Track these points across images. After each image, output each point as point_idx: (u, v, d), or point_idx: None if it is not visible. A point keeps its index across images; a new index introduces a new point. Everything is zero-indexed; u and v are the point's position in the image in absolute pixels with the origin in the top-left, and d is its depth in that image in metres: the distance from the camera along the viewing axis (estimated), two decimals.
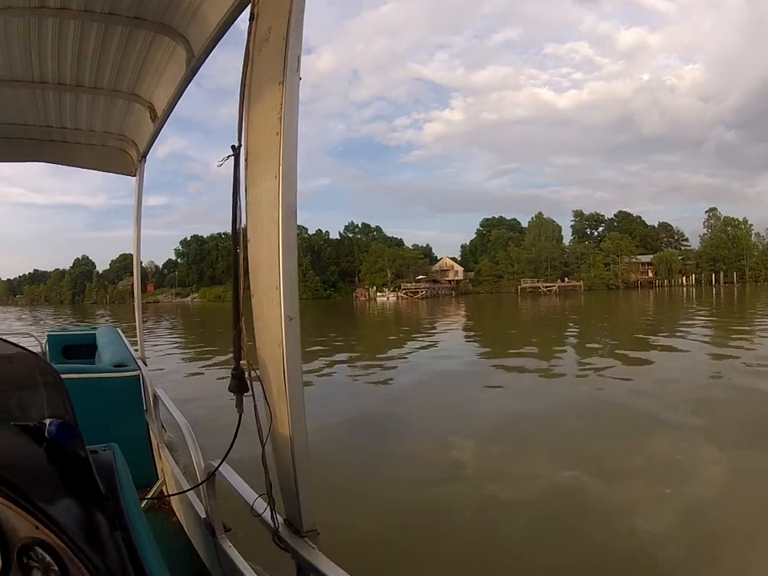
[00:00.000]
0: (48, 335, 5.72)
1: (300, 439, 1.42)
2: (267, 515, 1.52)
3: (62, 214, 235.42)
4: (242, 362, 1.57)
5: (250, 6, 1.53)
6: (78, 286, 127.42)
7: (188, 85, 2.68)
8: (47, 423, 1.02)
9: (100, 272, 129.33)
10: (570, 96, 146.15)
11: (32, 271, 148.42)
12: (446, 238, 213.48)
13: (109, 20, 2.37)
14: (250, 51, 1.52)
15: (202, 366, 14.87)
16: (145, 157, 3.99)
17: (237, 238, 1.57)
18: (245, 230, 1.56)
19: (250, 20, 1.51)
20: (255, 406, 1.52)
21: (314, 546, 1.42)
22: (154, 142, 3.69)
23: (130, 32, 2.47)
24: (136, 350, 4.53)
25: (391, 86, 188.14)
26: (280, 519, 1.51)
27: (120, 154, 4.23)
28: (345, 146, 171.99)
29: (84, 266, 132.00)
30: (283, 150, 1.34)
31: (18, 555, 0.86)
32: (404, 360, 15.35)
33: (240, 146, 1.54)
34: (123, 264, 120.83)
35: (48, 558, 0.86)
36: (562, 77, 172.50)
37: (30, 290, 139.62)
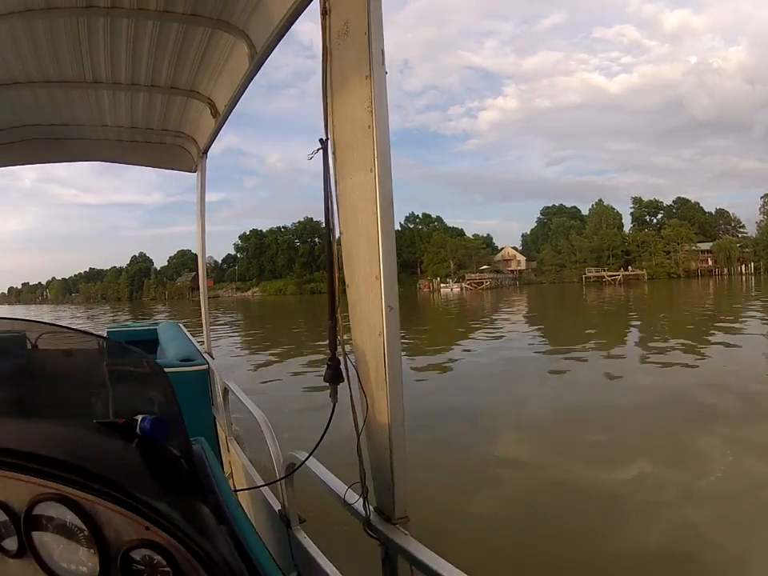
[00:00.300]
0: (107, 331, 5.74)
1: (398, 427, 1.43)
2: (359, 504, 1.54)
3: (116, 213, 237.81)
4: (337, 352, 1.56)
5: (319, 0, 1.54)
6: (135, 283, 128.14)
7: (250, 81, 2.69)
8: (138, 420, 1.03)
9: (158, 268, 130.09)
10: (620, 80, 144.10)
11: (87, 269, 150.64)
12: (506, 228, 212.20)
13: (164, 18, 2.41)
14: (328, 46, 1.52)
15: (270, 361, 15.16)
16: (206, 153, 4.01)
17: (331, 231, 1.57)
18: (332, 219, 1.57)
19: (322, 14, 1.53)
20: (351, 395, 1.53)
21: (405, 531, 1.43)
22: (215, 138, 3.69)
23: (187, 29, 2.50)
24: (201, 344, 4.60)
25: (443, 74, 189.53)
26: (370, 507, 1.52)
27: (179, 151, 4.25)
28: (399, 136, 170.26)
29: (141, 262, 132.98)
30: (377, 142, 1.36)
31: (121, 559, 0.85)
32: (475, 353, 15.37)
33: (327, 139, 1.55)
34: (181, 260, 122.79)
35: (157, 559, 0.85)
36: (612, 61, 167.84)
37: (86, 288, 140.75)
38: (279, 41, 2.25)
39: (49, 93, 3.34)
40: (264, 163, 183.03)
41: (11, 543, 0.88)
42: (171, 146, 4.21)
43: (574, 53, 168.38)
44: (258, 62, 2.43)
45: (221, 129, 3.43)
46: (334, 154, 1.53)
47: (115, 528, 0.85)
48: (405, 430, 1.45)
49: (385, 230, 1.36)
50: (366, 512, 1.49)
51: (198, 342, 4.80)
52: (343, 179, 1.51)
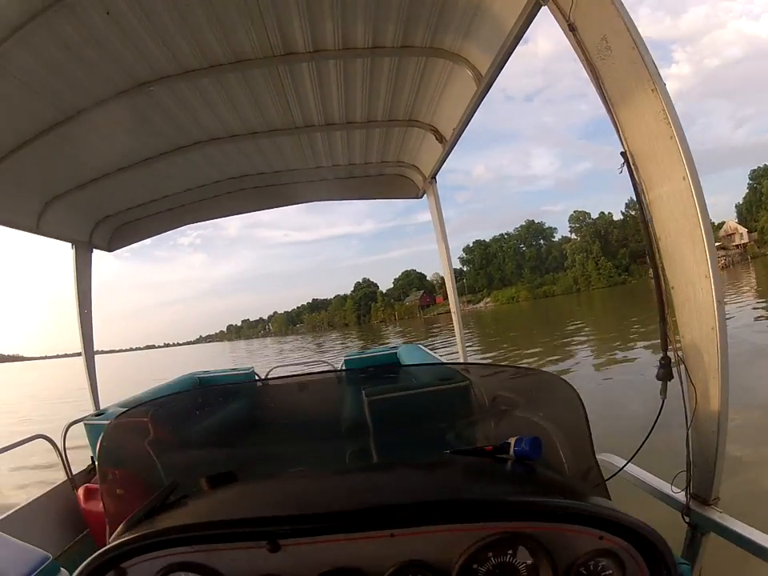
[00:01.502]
0: (345, 360, 5.60)
1: (726, 413, 1.51)
2: (675, 493, 1.63)
3: (331, 245, 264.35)
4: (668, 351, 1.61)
5: (561, 17, 1.60)
6: (362, 308, 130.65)
7: (479, 104, 2.66)
8: (512, 442, 1.09)
9: (384, 291, 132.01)
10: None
11: (311, 300, 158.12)
12: (713, 201, 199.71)
13: (374, 53, 2.46)
14: (591, 60, 1.58)
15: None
16: (434, 177, 4.02)
17: (650, 237, 1.60)
18: (650, 227, 1.60)
19: (570, 30, 1.57)
20: (683, 389, 1.60)
21: (720, 510, 1.53)
22: (443, 162, 3.66)
23: (400, 60, 2.57)
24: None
25: None
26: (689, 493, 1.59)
27: (400, 180, 4.35)
28: (594, 125, 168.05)
29: (366, 287, 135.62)
30: (683, 151, 1.42)
31: (572, 571, 0.88)
32: None
33: (625, 151, 1.58)
34: (407, 281, 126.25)
35: (603, 564, 0.88)
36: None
37: (311, 318, 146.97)
38: (504, 65, 2.28)
39: (255, 144, 3.55)
40: (471, 176, 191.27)
41: None
42: (392, 176, 4.36)
43: (719, 2, 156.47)
44: (484, 83, 2.43)
45: (449, 153, 3.43)
46: (634, 164, 1.58)
47: (565, 545, 0.88)
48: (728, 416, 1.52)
49: (706, 229, 1.44)
50: (687, 498, 1.58)
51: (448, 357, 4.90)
52: (652, 188, 1.56)
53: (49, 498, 3.41)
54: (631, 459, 1.66)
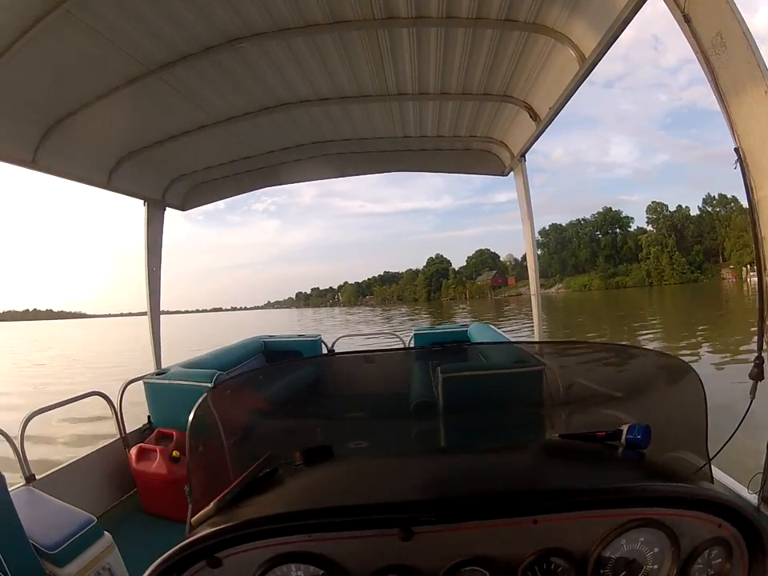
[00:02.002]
0: (414, 334, 5.59)
1: None
2: (750, 495, 1.60)
3: (406, 219, 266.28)
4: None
5: (675, 6, 1.55)
6: (433, 284, 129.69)
7: (579, 85, 2.59)
8: (624, 429, 1.05)
9: (456, 269, 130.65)
10: None
11: (382, 273, 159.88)
12: None
13: (477, 24, 2.40)
14: (705, 53, 1.52)
15: None
16: (524, 156, 3.94)
17: (756, 236, 1.54)
18: (758, 226, 1.52)
19: (685, 21, 1.53)
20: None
21: None
22: (534, 141, 3.58)
23: (501, 34, 2.49)
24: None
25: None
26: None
27: (486, 156, 4.32)
28: (672, 117, 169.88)
29: (438, 263, 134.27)
30: None
31: (692, 558, 0.87)
32: None
33: (738, 147, 1.52)
34: (480, 259, 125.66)
35: (722, 553, 0.88)
36: None
37: (381, 290, 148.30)
38: (608, 48, 2.20)
39: (344, 109, 3.48)
40: (549, 159, 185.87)
41: None
42: (478, 151, 4.32)
43: None
44: (587, 65, 2.36)
45: (542, 133, 3.36)
46: (745, 161, 1.52)
47: (689, 533, 0.87)
48: None
49: None
50: (759, 501, 1.55)
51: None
52: (762, 188, 1.50)
53: (100, 455, 3.46)
54: (714, 457, 1.36)
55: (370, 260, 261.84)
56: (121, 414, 3.59)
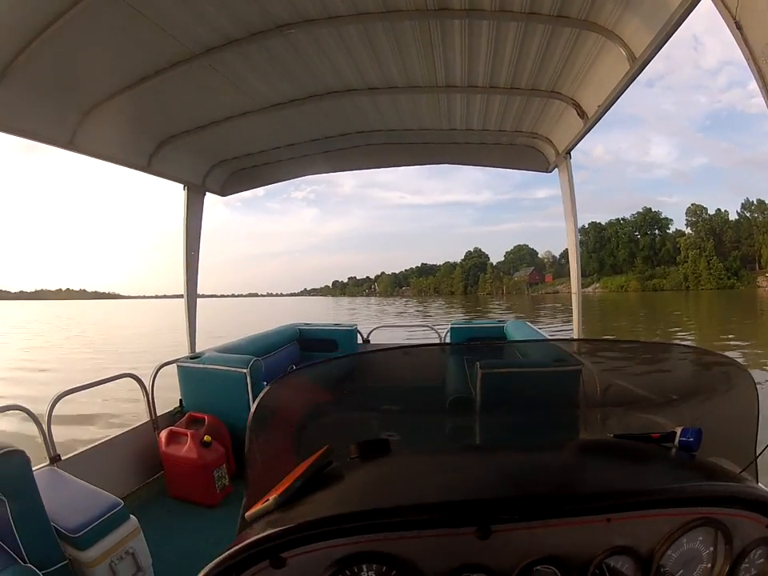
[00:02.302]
0: (451, 327, 5.51)
1: None
2: None
3: (446, 212, 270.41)
4: None
5: (727, 12, 1.53)
6: (470, 278, 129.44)
7: (629, 85, 2.58)
8: (678, 431, 1.03)
9: (494, 264, 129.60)
10: None
11: (419, 265, 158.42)
12: None
13: (529, 19, 2.39)
14: (756, 61, 1.49)
15: None
16: (569, 153, 3.88)
17: None
18: None
19: (737, 28, 1.50)
20: None
21: None
22: (581, 139, 3.52)
23: (553, 29, 2.47)
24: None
25: (733, 45, 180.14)
26: None
27: (530, 152, 4.29)
28: (711, 119, 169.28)
29: (476, 257, 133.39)
30: None
31: (741, 558, 0.87)
32: None
33: None
34: (518, 255, 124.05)
35: (765, 553, 0.88)
36: None
37: (418, 282, 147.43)
38: (663, 44, 2.16)
39: (392, 99, 3.46)
40: (590, 157, 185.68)
41: None
42: (522, 146, 4.27)
43: None
44: (638, 65, 2.34)
45: (589, 130, 3.31)
46: None
47: (740, 533, 0.86)
48: None
49: None
50: None
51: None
52: None
53: (129, 437, 3.47)
54: (750, 464, 1.30)
55: (408, 251, 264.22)
56: (153, 396, 3.61)
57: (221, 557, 0.75)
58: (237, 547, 0.76)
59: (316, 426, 1.26)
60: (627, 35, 2.32)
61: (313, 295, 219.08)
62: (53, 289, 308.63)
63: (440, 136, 4.20)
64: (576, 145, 3.69)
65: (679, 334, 22.90)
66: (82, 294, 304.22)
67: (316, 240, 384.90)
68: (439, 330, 5.67)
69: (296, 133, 4.06)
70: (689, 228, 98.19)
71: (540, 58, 2.79)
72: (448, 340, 5.39)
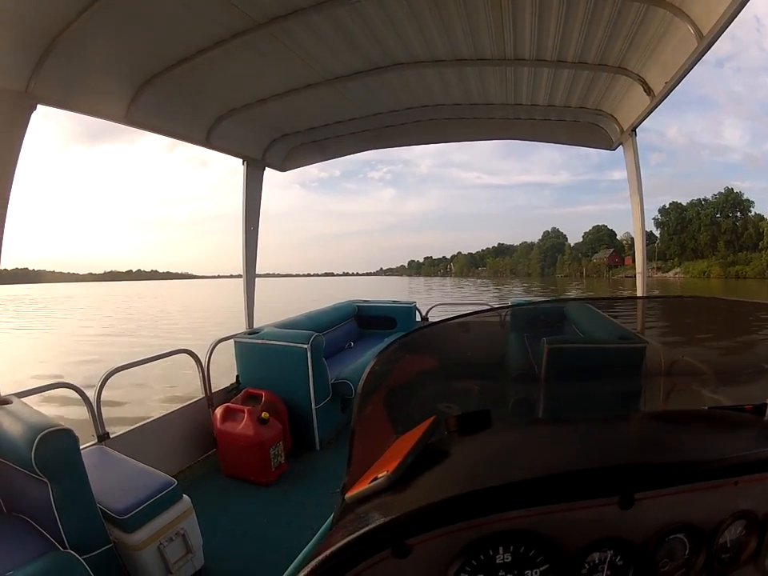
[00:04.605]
0: (512, 305, 7.81)
1: None
2: None
3: (524, 192, 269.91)
4: None
5: None
6: (548, 259, 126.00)
7: (696, 62, 2.49)
8: None
9: (572, 245, 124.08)
10: None
11: (496, 245, 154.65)
12: None
13: None
14: None
15: None
16: (634, 131, 3.78)
17: None
18: None
19: None
20: None
21: None
22: (646, 116, 3.44)
23: (622, 3, 2.42)
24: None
25: None
26: None
27: (594, 129, 4.16)
28: None
29: (554, 238, 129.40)
30: None
31: None
32: None
33: None
34: (597, 236, 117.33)
35: None
36: None
37: (494, 262, 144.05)
38: (730, 23, 2.10)
39: (458, 72, 3.35)
40: (664, 138, 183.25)
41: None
42: (585, 123, 4.15)
43: None
44: (705, 43, 2.28)
45: (655, 108, 3.24)
46: None
47: None
48: None
49: None
50: None
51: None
52: None
53: (183, 414, 3.47)
54: None
55: (485, 232, 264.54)
56: (208, 372, 3.60)
57: (335, 546, 0.61)
58: (356, 534, 0.62)
59: (403, 398, 1.20)
60: (695, 13, 2.27)
61: (388, 275, 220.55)
62: (123, 270, 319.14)
63: (504, 111, 4.11)
64: (641, 122, 3.61)
65: None
66: (153, 275, 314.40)
67: (393, 219, 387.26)
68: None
69: (359, 106, 3.94)
70: None
71: (608, 33, 2.72)
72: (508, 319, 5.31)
